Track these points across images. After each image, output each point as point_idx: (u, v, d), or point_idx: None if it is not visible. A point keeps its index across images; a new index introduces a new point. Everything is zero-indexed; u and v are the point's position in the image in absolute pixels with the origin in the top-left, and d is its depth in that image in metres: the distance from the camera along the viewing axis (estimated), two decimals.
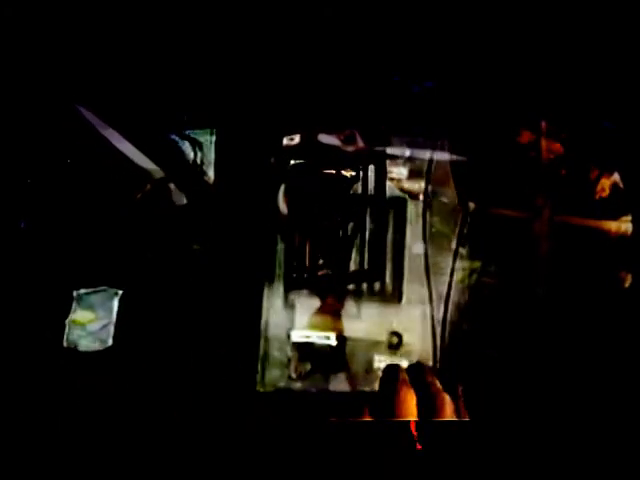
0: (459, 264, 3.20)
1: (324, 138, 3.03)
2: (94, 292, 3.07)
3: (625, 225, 3.03)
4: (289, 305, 3.00)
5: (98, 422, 2.77)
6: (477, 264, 3.19)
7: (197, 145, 3.08)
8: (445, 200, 3.14)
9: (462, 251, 3.19)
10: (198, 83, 2.99)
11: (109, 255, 2.96)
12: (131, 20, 2.91)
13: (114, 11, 2.87)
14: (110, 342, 3.00)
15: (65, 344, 2.93)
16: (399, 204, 3.10)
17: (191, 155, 3.08)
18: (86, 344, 3.02)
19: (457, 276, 3.20)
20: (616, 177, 3.03)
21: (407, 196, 3.11)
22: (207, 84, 2.98)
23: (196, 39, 2.96)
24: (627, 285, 2.91)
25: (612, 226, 3.02)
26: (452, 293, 3.15)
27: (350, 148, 3.04)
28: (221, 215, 2.93)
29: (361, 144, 3.05)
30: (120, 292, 3.04)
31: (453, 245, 3.18)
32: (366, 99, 3.00)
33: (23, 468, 2.65)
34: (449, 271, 3.19)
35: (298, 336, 3.00)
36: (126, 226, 2.94)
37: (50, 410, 2.76)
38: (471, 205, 3.12)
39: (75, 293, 3.01)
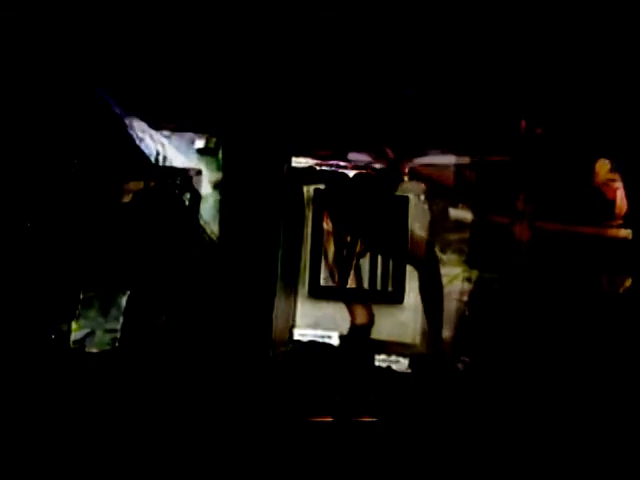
0: (442, 271, 3.18)
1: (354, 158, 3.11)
2: (88, 298, 3.01)
3: (609, 231, 3.03)
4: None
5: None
6: (459, 270, 3.17)
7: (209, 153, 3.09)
8: (434, 206, 3.15)
9: (444, 257, 3.19)
10: (203, 93, 2.99)
11: (120, 256, 2.94)
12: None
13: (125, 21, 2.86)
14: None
15: (71, 345, 2.90)
16: (402, 206, 3.13)
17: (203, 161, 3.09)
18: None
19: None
20: (597, 184, 3.05)
21: (410, 196, 3.14)
22: (212, 93, 2.99)
23: (205, 55, 2.96)
24: (619, 288, 2.92)
25: (597, 231, 3.02)
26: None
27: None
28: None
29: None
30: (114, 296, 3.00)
31: (436, 252, 3.17)
32: (366, 108, 3.03)
33: (26, 466, 2.60)
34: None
35: (300, 334, 3.03)
36: (132, 227, 2.94)
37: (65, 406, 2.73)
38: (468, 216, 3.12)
39: (81, 296, 2.97)
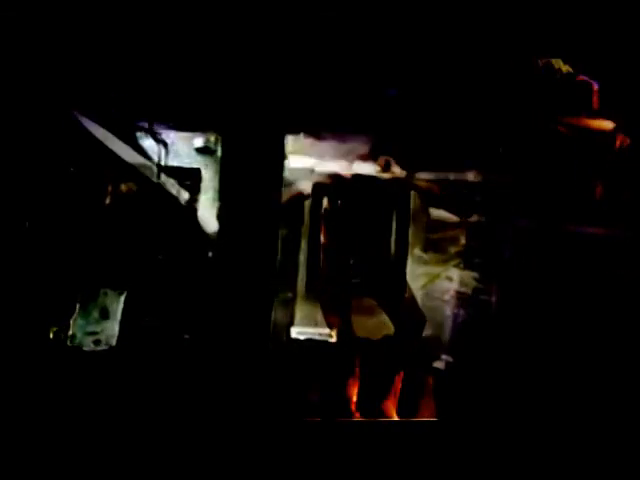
0: (423, 269, 3.20)
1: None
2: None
3: (590, 229, 3.07)
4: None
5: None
6: (440, 269, 3.19)
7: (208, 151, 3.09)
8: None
9: (425, 256, 3.21)
10: (203, 92, 2.99)
11: (118, 258, 2.92)
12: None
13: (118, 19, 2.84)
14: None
15: (69, 343, 2.88)
16: (403, 206, 3.15)
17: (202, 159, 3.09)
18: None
19: (420, 281, 3.20)
20: (578, 181, 3.10)
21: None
22: (213, 93, 2.98)
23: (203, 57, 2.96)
24: (603, 286, 2.96)
25: (579, 229, 3.06)
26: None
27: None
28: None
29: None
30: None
31: (417, 251, 3.20)
32: (365, 108, 3.06)
33: (23, 466, 2.56)
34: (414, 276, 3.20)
35: (298, 332, 3.04)
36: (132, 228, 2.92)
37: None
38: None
39: (79, 296, 2.94)
